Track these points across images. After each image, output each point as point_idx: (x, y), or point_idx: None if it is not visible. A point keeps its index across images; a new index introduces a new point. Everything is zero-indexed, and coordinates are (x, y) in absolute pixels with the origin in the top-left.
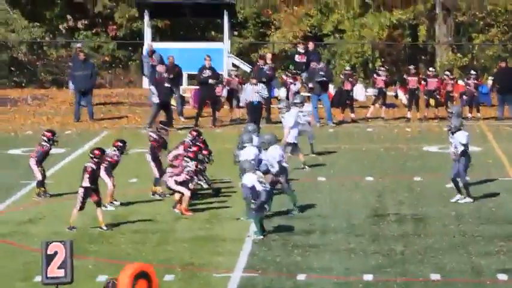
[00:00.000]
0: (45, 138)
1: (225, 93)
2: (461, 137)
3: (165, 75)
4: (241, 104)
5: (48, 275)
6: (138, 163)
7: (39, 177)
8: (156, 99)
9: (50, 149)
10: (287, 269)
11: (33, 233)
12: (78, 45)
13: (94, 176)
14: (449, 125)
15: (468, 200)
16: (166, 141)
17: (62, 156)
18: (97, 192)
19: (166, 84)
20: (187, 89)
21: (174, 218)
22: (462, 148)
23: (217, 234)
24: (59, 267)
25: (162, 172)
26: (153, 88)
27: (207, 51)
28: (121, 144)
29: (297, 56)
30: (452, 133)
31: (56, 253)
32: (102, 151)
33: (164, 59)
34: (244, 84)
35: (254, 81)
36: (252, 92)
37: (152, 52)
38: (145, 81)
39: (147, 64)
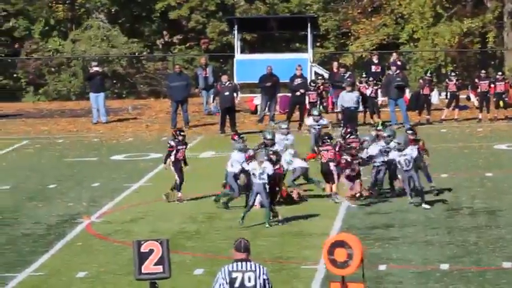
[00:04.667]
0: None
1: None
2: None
3: (227, 83)
4: (337, 110)
5: (143, 271)
6: None
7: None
8: (214, 108)
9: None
10: (369, 260)
11: (134, 231)
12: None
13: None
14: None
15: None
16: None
17: (160, 160)
18: None
19: (227, 93)
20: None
21: (264, 216)
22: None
23: (305, 229)
24: (155, 264)
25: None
26: (211, 97)
27: (292, 62)
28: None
29: (373, 66)
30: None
31: (151, 251)
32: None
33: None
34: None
35: (349, 88)
36: (349, 99)
37: (206, 65)
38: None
39: (201, 76)
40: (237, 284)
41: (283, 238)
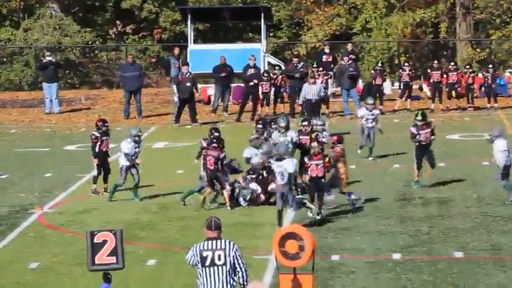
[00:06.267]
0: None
1: (272, 90)
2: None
3: (187, 75)
4: (299, 102)
5: (96, 262)
6: (184, 156)
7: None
8: (176, 97)
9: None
10: (322, 250)
11: (87, 222)
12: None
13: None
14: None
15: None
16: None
17: (113, 150)
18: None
19: (188, 84)
20: None
21: (217, 206)
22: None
23: (257, 219)
24: (109, 255)
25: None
26: (175, 87)
27: (245, 52)
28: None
29: (324, 56)
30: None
31: (105, 242)
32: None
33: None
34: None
35: (312, 80)
36: (312, 91)
37: (179, 56)
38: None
39: (174, 66)
40: (207, 263)
41: (236, 228)
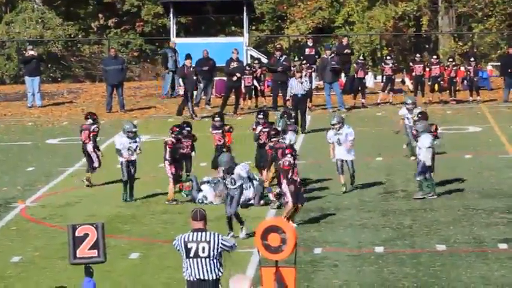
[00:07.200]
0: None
1: (255, 83)
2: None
3: (191, 68)
4: (286, 97)
5: (78, 256)
6: None
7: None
8: (181, 91)
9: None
10: (305, 243)
11: (70, 215)
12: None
13: (175, 150)
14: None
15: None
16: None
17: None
18: (179, 165)
19: (194, 77)
20: None
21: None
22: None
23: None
24: (90, 248)
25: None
26: (180, 80)
27: (227, 45)
28: (177, 129)
29: (307, 49)
30: None
31: (86, 235)
32: (180, 127)
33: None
34: (263, 74)
35: (298, 75)
36: (298, 85)
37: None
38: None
39: (171, 59)
40: (191, 254)
41: (219, 222)
